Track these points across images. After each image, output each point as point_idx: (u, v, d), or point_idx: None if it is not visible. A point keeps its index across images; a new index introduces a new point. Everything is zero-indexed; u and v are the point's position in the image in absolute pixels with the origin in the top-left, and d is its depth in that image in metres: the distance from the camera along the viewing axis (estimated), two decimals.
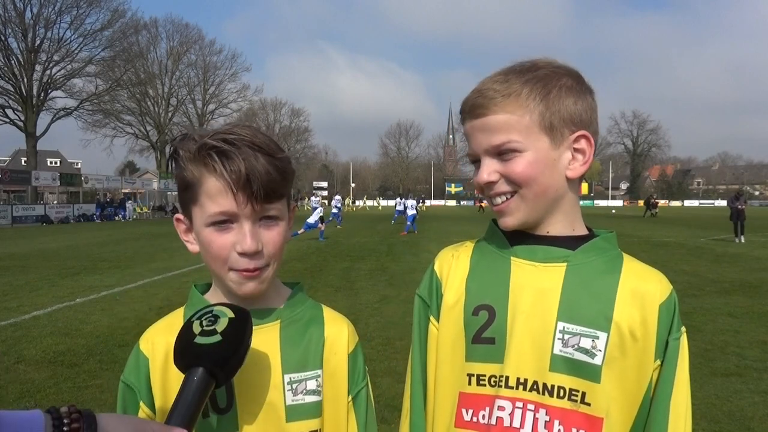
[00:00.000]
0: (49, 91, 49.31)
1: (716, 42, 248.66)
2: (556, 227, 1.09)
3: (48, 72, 48.77)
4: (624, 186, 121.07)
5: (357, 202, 72.17)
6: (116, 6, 51.46)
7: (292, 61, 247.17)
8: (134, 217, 43.14)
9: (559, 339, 1.02)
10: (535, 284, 1.06)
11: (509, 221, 1.08)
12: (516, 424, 1.02)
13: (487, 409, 1.05)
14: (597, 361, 1.00)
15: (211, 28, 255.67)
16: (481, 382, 1.07)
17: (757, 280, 10.70)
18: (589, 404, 1.00)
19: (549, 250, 1.08)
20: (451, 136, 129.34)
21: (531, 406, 1.02)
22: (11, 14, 45.18)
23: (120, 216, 41.32)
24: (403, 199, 27.76)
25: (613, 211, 63.18)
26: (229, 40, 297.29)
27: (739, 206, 19.37)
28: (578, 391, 1.01)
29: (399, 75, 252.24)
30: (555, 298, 1.04)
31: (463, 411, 1.08)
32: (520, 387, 1.03)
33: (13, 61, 46.35)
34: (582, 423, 1.00)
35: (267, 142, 1.04)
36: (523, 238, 1.11)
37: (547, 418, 1.01)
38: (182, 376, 0.99)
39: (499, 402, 1.03)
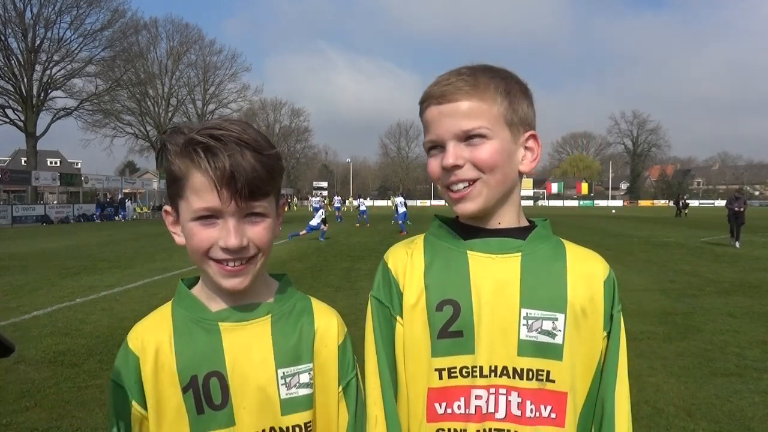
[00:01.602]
0: (49, 91, 49.27)
1: (716, 42, 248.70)
2: (506, 218, 1.16)
3: (48, 72, 48.75)
4: (624, 186, 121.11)
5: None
6: (116, 6, 51.46)
7: (292, 61, 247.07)
8: (134, 217, 43.13)
9: (524, 325, 1.09)
10: (494, 275, 1.12)
11: (470, 206, 1.12)
12: (491, 409, 1.08)
13: (462, 399, 1.09)
14: (558, 340, 1.09)
15: (211, 28, 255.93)
16: (452, 375, 1.10)
17: (757, 280, 10.72)
18: (553, 381, 1.09)
19: (503, 242, 1.14)
20: None
21: (503, 391, 1.08)
22: (11, 14, 45.18)
23: (120, 216, 41.28)
24: (394, 198, 27.82)
25: (613, 211, 63.15)
26: (229, 40, 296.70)
27: (737, 208, 17.68)
28: (543, 371, 1.09)
29: (399, 75, 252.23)
30: (515, 286, 1.11)
31: (436, 405, 1.11)
32: (492, 374, 1.08)
33: (13, 61, 46.31)
34: (549, 399, 1.09)
35: (256, 138, 1.03)
36: (476, 232, 1.15)
37: (519, 400, 1.08)
38: (175, 372, 0.99)
39: (476, 391, 1.08)
